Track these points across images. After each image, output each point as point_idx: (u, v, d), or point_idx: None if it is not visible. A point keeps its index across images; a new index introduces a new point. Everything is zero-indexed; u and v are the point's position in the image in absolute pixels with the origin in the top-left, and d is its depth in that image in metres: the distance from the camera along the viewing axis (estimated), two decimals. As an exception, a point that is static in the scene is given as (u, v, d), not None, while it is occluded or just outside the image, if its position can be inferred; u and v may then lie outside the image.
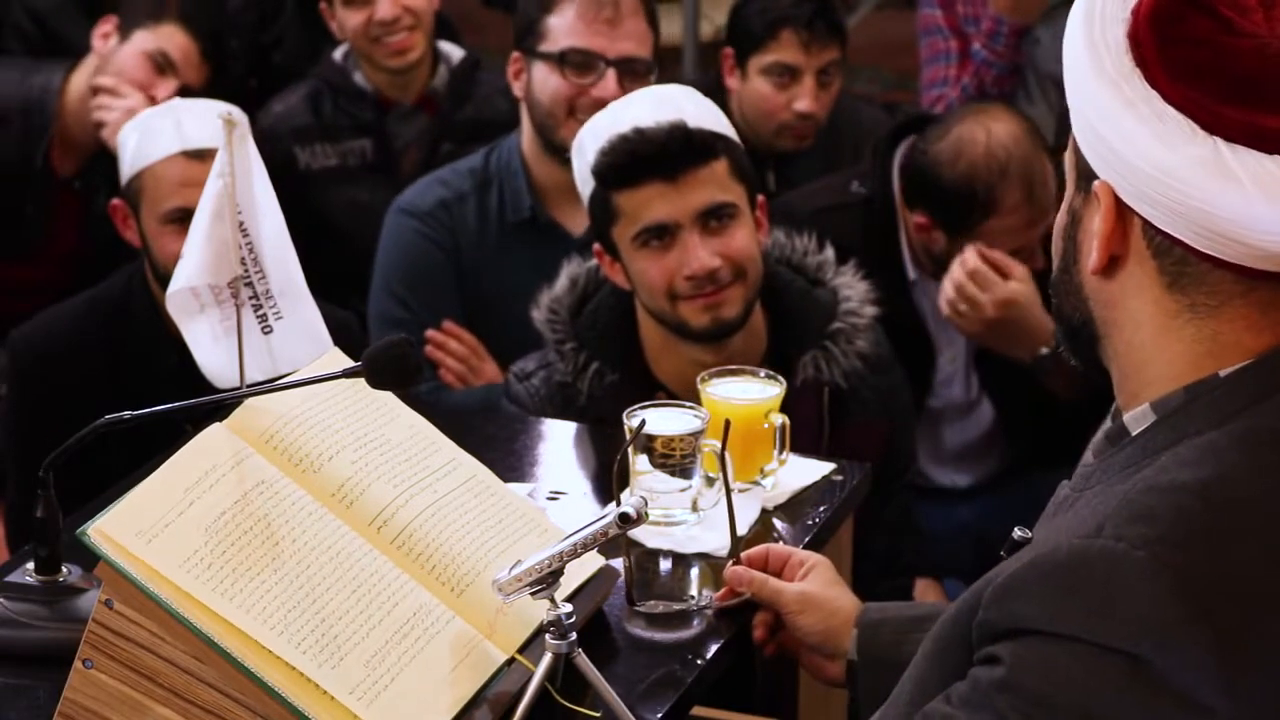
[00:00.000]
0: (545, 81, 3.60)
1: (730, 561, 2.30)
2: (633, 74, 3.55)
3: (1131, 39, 1.58)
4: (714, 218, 2.92)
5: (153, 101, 3.93)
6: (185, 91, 3.95)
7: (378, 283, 3.75)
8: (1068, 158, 1.68)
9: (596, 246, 3.03)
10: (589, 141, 2.98)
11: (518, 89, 3.68)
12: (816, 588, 2.22)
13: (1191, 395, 1.59)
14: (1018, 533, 1.73)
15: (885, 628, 2.14)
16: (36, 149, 4.05)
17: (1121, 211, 1.60)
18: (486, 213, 3.71)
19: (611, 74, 3.55)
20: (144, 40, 4.00)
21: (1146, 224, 1.58)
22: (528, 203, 3.69)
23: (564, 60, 3.58)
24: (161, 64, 3.98)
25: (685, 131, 2.90)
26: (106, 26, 4.07)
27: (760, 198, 3.02)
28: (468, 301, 3.71)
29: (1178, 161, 1.54)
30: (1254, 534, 1.51)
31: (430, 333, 3.66)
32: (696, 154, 2.91)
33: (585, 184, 3.00)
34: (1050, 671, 1.49)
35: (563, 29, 3.60)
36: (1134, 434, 1.63)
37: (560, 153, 3.56)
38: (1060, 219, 1.70)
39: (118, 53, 4.01)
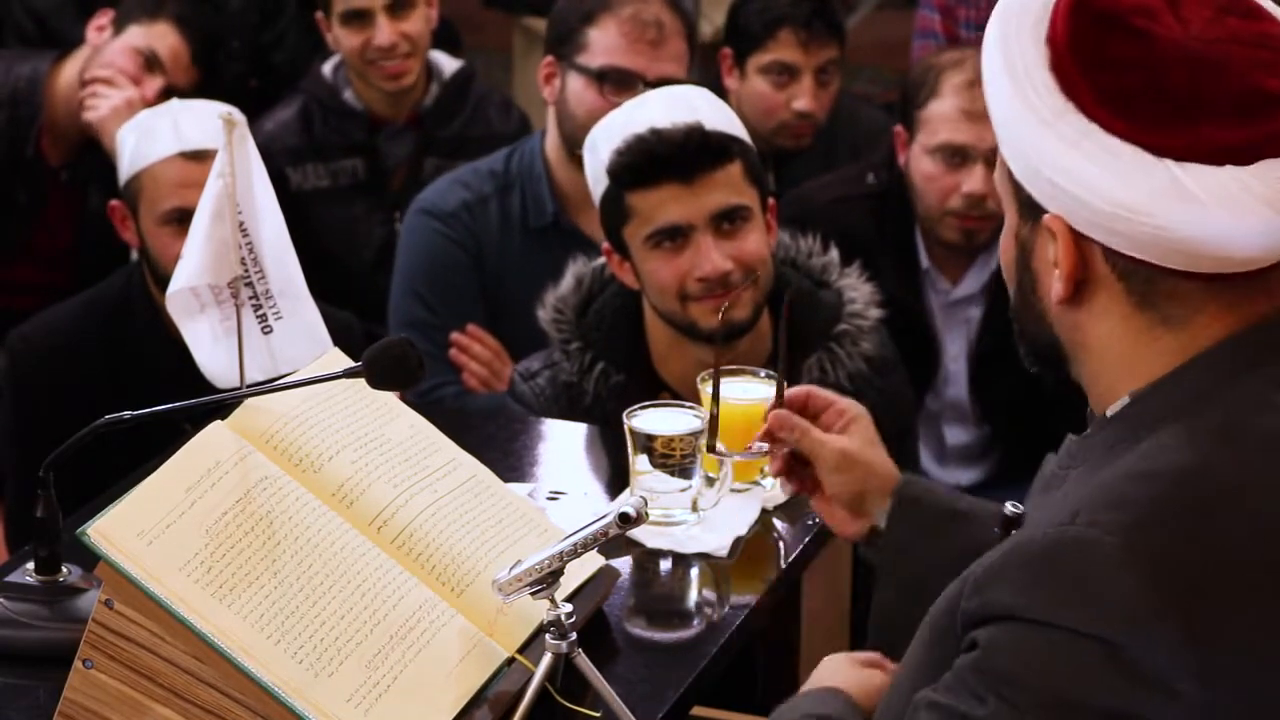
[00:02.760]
0: (581, 95, 3.59)
1: (771, 408, 2.21)
2: None
3: (1056, 72, 1.57)
4: (727, 220, 2.92)
5: (142, 95, 3.95)
6: (171, 92, 3.96)
7: (399, 285, 3.73)
8: (999, 183, 1.67)
9: (605, 246, 3.02)
10: (602, 140, 2.97)
11: (548, 93, 3.66)
12: (857, 446, 2.17)
13: (1163, 381, 1.60)
14: (1009, 508, 1.73)
15: (923, 512, 2.10)
16: (26, 137, 4.06)
17: (1078, 240, 1.59)
18: (509, 216, 3.70)
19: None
20: (135, 36, 4.01)
21: (1107, 250, 1.58)
22: (550, 208, 3.68)
23: (603, 78, 3.56)
24: (149, 61, 4.00)
25: (702, 133, 2.90)
26: (102, 20, 4.09)
27: (770, 200, 3.02)
28: (489, 305, 3.70)
29: (1136, 195, 1.54)
30: (1229, 523, 1.52)
31: (455, 336, 3.65)
32: (713, 156, 2.91)
33: (597, 183, 2.99)
34: (1022, 653, 1.50)
35: (603, 45, 3.59)
36: (1110, 416, 1.64)
37: None
38: (1008, 247, 1.68)
39: (108, 46, 4.02)
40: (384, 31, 4.05)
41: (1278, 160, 1.54)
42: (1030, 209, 1.62)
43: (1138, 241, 1.55)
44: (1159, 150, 1.54)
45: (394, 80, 4.10)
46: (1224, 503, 1.53)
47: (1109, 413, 1.64)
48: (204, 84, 4.05)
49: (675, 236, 2.92)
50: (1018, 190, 1.63)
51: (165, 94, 3.96)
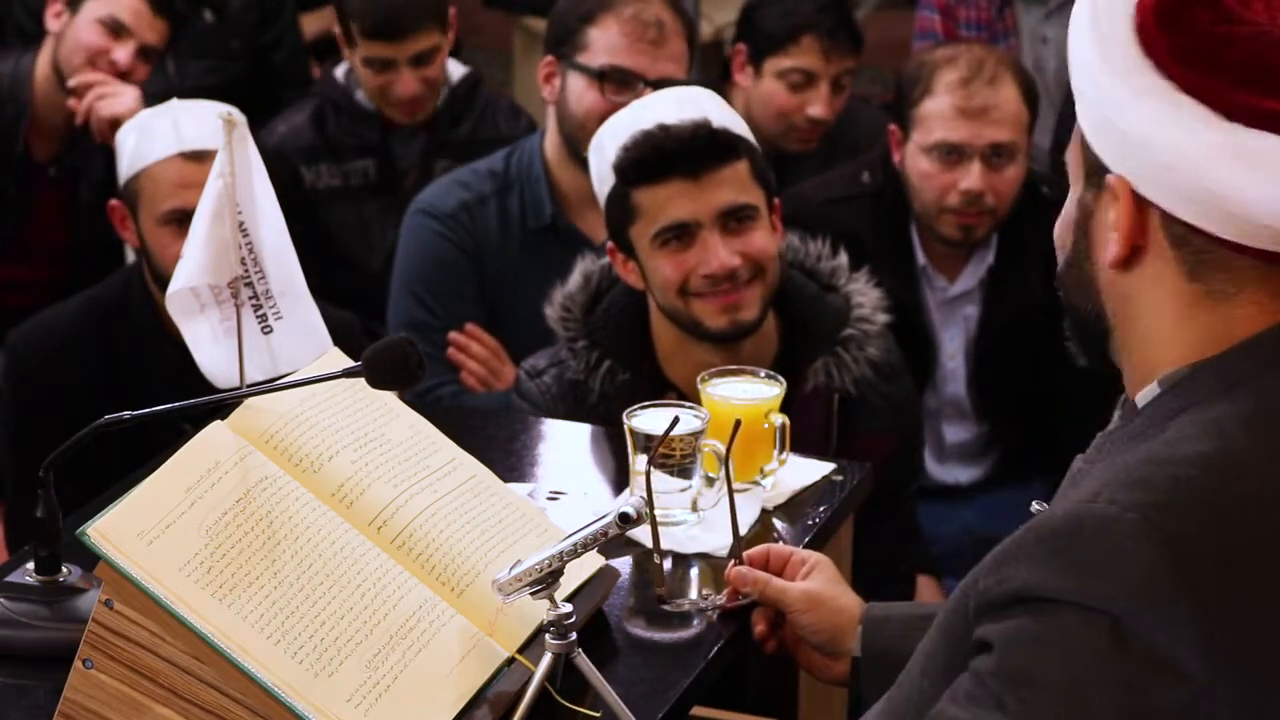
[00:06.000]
0: (581, 95, 3.59)
1: (731, 563, 2.30)
2: None
3: (1139, 31, 1.60)
4: (734, 218, 2.92)
5: (113, 66, 4.00)
6: (147, 51, 4.04)
7: (397, 286, 3.73)
8: (1070, 155, 1.70)
9: (610, 245, 3.02)
10: (609, 139, 2.97)
11: (548, 93, 3.67)
12: (821, 586, 2.23)
13: (1197, 369, 1.62)
14: (1035, 507, 1.74)
15: (890, 624, 2.15)
16: (15, 134, 4.08)
17: (1139, 204, 1.62)
18: (507, 217, 3.70)
19: (649, 94, 3.53)
20: (94, 9, 4.06)
21: (1165, 215, 1.60)
22: (549, 209, 3.68)
23: (604, 77, 3.57)
24: (115, 28, 4.04)
25: (710, 130, 2.90)
26: (57, 5, 4.12)
27: (776, 201, 3.01)
28: (487, 306, 3.70)
29: (1197, 149, 1.56)
30: (1251, 511, 1.53)
31: (453, 335, 3.66)
32: (720, 153, 2.91)
33: (603, 182, 2.99)
34: (1035, 646, 1.51)
35: (604, 45, 3.59)
36: (1141, 407, 1.65)
37: (586, 163, 3.56)
38: (1067, 213, 1.72)
39: (71, 26, 4.07)
40: (408, 83, 4.04)
41: None
42: (1095, 173, 1.65)
43: (1195, 203, 1.57)
44: (1229, 114, 1.56)
45: (410, 116, 4.10)
46: (1244, 489, 1.53)
47: (1140, 401, 1.65)
48: (173, 34, 4.12)
49: (682, 234, 2.91)
50: (1086, 153, 1.66)
51: (142, 54, 4.04)
